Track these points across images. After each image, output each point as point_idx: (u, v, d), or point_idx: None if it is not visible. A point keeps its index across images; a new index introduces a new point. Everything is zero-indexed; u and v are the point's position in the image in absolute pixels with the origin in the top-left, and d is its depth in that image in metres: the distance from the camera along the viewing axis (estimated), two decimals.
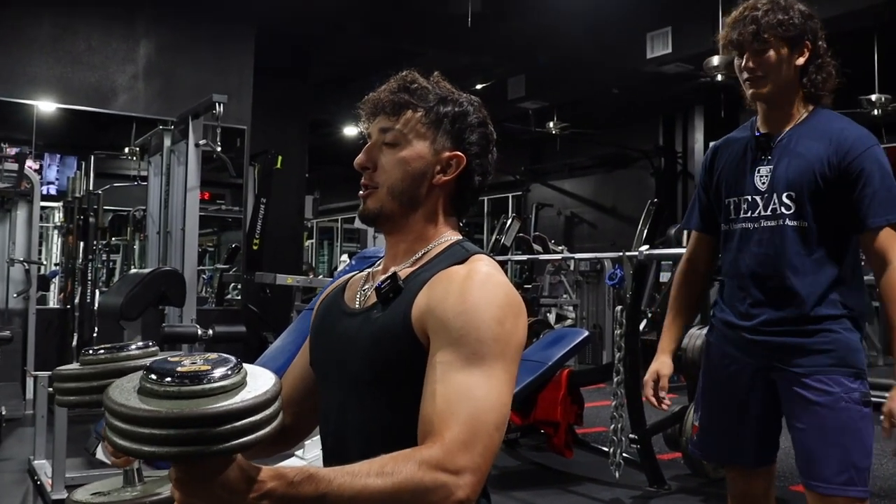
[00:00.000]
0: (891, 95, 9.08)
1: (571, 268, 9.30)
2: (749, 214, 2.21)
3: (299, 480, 1.04)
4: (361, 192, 1.42)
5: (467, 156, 1.41)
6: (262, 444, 1.00)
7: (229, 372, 1.00)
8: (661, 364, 2.40)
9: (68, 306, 6.83)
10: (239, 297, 8.52)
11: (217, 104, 5.94)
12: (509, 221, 9.15)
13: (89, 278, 6.72)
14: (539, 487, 4.53)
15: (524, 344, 1.30)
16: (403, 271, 1.39)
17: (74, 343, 6.68)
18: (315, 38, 10.12)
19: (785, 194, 2.14)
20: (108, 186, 7.77)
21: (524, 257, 9.15)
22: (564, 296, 9.90)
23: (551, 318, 9.86)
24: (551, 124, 12.50)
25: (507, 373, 1.24)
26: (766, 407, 2.23)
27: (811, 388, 2.10)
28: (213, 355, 1.05)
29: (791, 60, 2.16)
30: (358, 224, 11.68)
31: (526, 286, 9.89)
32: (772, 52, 2.14)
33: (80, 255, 6.73)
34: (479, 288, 1.27)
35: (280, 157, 7.96)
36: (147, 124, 7.60)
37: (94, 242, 6.81)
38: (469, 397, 1.19)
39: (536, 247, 10.38)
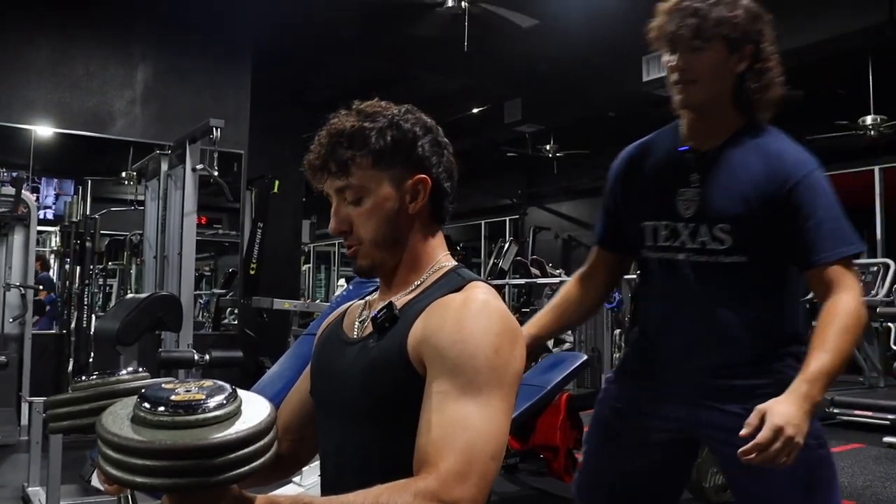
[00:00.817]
0: (886, 116, 9.11)
1: None
2: (670, 244, 1.91)
3: None
4: (348, 252, 1.41)
5: (427, 171, 1.38)
6: (259, 473, 0.99)
7: (224, 401, 0.99)
8: None
9: (64, 331, 6.80)
10: (236, 322, 8.48)
11: (214, 128, 5.94)
12: (507, 245, 9.15)
13: (85, 303, 6.68)
14: None
15: (522, 372, 1.28)
16: (400, 300, 1.37)
17: (70, 368, 6.64)
18: (311, 62, 10.15)
19: (717, 227, 1.84)
20: (104, 211, 7.76)
21: (522, 281, 9.14)
22: None
23: (549, 342, 9.81)
24: (548, 147, 12.53)
25: (504, 402, 1.22)
26: (665, 459, 2.00)
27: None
28: (209, 382, 1.04)
29: (729, 65, 1.83)
30: None
31: (524, 310, 9.86)
32: (710, 54, 1.81)
33: (77, 279, 6.70)
34: (475, 316, 1.26)
35: (277, 182, 7.95)
36: (144, 149, 7.62)
37: (91, 267, 6.78)
38: (465, 427, 1.17)
39: (534, 270, 10.36)
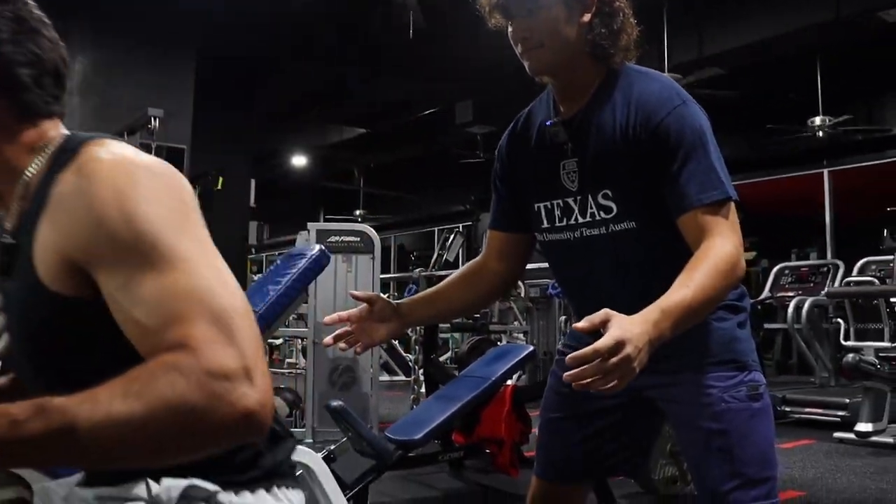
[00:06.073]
0: (835, 117, 9.17)
1: (521, 294, 9.16)
2: (566, 222, 1.78)
3: (25, 418, 0.83)
4: None
5: None
6: None
7: None
8: (380, 301, 1.87)
9: None
10: None
11: (153, 118, 5.77)
12: (452, 236, 9.03)
13: None
14: None
15: (191, 193, 1.04)
16: (12, 218, 1.10)
17: None
18: (261, 60, 9.99)
19: (600, 194, 1.71)
20: None
21: None
22: (514, 322, 9.76)
23: (503, 338, 9.72)
24: None
25: (198, 242, 0.98)
26: (624, 419, 1.88)
27: (685, 394, 1.72)
28: None
29: (572, 18, 1.68)
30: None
31: (475, 315, 9.74)
32: (547, 13, 1.67)
33: None
34: (100, 182, 0.98)
35: (221, 178, 7.75)
36: None
37: None
38: (186, 295, 0.92)
39: None
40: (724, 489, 1.65)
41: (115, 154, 1.02)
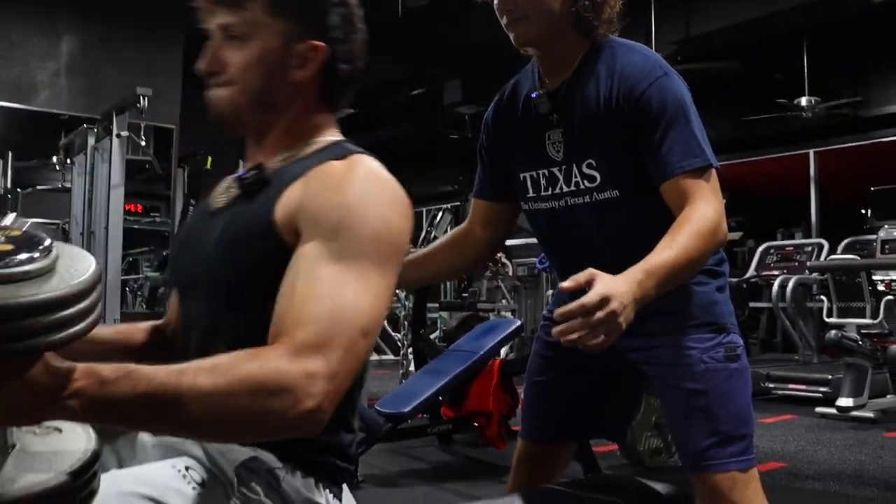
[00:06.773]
0: (821, 98, 9.22)
1: (510, 273, 9.22)
2: (551, 191, 1.83)
3: (114, 378, 0.89)
4: (211, 92, 1.27)
5: (327, 43, 1.25)
6: (77, 340, 0.85)
7: (36, 255, 0.85)
8: None
9: None
10: None
11: (141, 97, 5.78)
12: (440, 214, 9.07)
13: None
14: (472, 479, 4.42)
15: (408, 249, 1.20)
16: (272, 164, 1.25)
17: None
18: None
19: (584, 164, 1.76)
20: (30, 189, 7.49)
21: None
22: (502, 301, 9.82)
23: (490, 313, 9.78)
24: None
25: (385, 277, 1.10)
26: (608, 379, 1.93)
27: (666, 356, 1.76)
28: (18, 231, 0.89)
29: None
30: None
31: (464, 294, 9.80)
32: None
33: None
34: (361, 182, 1.14)
35: (209, 158, 7.74)
36: (73, 129, 7.36)
37: None
38: (333, 295, 1.03)
39: None
40: (702, 446, 1.70)
41: (378, 169, 1.19)
